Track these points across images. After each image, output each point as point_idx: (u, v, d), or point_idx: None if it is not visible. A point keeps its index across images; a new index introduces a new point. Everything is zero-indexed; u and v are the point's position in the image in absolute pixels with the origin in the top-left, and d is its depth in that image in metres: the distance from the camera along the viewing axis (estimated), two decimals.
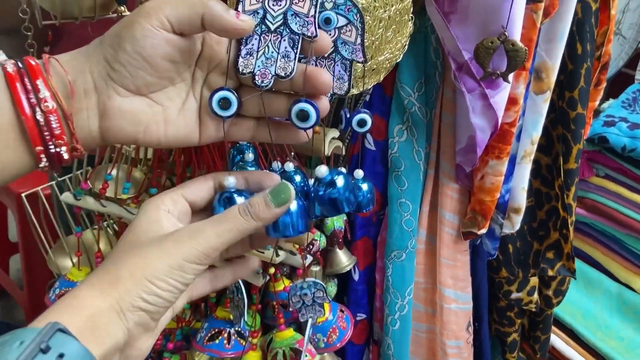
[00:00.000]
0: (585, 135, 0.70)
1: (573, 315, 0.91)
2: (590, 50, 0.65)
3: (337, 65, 0.42)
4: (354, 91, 0.56)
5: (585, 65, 0.65)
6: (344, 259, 0.73)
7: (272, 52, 0.37)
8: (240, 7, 0.37)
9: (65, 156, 0.35)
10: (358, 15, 0.40)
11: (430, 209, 0.71)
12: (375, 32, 0.52)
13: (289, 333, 0.67)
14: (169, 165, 0.66)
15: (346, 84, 0.42)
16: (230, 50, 0.38)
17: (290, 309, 0.58)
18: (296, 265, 0.66)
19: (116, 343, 0.33)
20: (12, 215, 1.23)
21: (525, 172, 0.68)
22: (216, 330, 0.64)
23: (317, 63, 0.42)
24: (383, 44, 0.52)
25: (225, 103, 0.38)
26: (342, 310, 0.71)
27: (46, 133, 0.34)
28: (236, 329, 0.64)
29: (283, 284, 0.67)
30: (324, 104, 0.38)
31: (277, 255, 0.61)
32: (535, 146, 0.66)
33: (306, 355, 0.66)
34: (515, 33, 0.54)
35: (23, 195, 0.74)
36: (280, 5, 0.37)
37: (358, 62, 0.42)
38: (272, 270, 0.64)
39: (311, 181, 0.49)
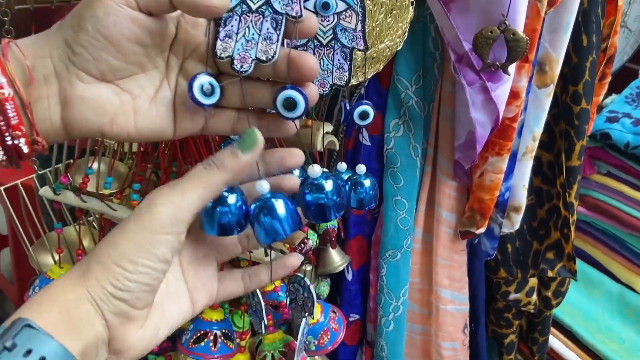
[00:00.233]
0: (588, 132, 0.67)
1: (572, 316, 0.89)
2: (596, 42, 0.62)
3: (337, 53, 0.39)
4: (354, 81, 0.53)
5: (591, 57, 0.62)
6: (337, 258, 0.70)
7: (253, 34, 0.34)
8: None
9: (25, 149, 0.32)
10: (358, 0, 0.37)
11: (426, 207, 0.69)
12: (376, 18, 0.49)
13: (279, 335, 0.64)
14: (154, 159, 0.63)
15: (346, 73, 0.40)
16: (209, 33, 0.34)
17: (286, 294, 0.56)
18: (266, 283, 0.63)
19: (95, 336, 0.31)
20: (2, 208, 1.20)
21: (526, 169, 0.65)
22: (202, 332, 0.61)
23: (315, 52, 0.39)
24: (384, 30, 0.50)
25: (206, 90, 0.34)
26: (334, 312, 0.68)
27: (2, 123, 0.31)
28: (222, 331, 0.62)
29: (273, 285, 0.64)
30: (312, 91, 0.35)
31: (267, 255, 0.58)
32: (537, 142, 0.64)
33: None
34: (518, 23, 0.51)
35: (1, 188, 0.71)
36: None
37: (359, 50, 0.39)
38: None
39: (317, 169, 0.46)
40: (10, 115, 0.31)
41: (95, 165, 0.61)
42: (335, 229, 0.68)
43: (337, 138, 0.66)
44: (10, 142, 0.31)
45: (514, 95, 0.57)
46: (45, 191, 0.61)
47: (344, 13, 0.38)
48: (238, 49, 0.33)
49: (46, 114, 0.33)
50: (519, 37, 0.50)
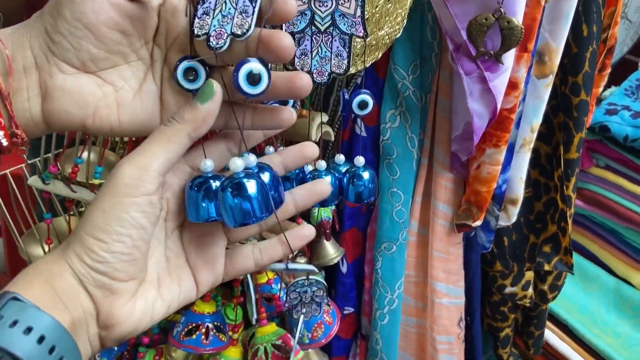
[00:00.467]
0: (587, 124, 0.66)
1: (568, 310, 0.88)
2: (597, 33, 0.61)
3: (335, 40, 0.38)
4: (352, 70, 0.52)
5: (591, 48, 0.61)
6: (331, 251, 0.69)
7: (230, 9, 0.32)
8: None
9: (4, 142, 0.31)
10: None
11: (422, 200, 0.68)
12: (376, 3, 0.48)
13: (271, 328, 0.63)
14: None
15: (345, 61, 0.38)
16: (189, 14, 0.33)
17: (286, 305, 0.54)
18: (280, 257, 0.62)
19: (82, 309, 0.31)
20: None
21: (524, 161, 0.64)
22: (193, 325, 0.60)
23: (313, 38, 0.38)
24: (383, 16, 0.48)
25: (190, 74, 0.33)
26: (328, 305, 0.67)
27: None
28: (215, 323, 0.61)
29: (266, 277, 0.63)
30: (305, 80, 0.34)
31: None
32: (535, 134, 0.63)
33: (288, 352, 0.63)
34: (518, 11, 0.50)
35: None
36: None
37: (358, 37, 0.38)
38: None
39: (309, 167, 0.45)
40: None
41: (85, 155, 0.60)
42: (330, 220, 0.67)
43: (332, 128, 0.65)
44: None
45: (512, 85, 0.55)
46: (34, 181, 0.60)
47: None
48: (214, 25, 0.32)
49: (26, 105, 0.32)
50: (513, 25, 0.49)
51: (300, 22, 0.37)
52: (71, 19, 0.31)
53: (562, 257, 0.71)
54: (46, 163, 0.64)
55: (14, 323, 0.27)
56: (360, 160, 0.46)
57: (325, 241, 0.69)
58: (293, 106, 0.59)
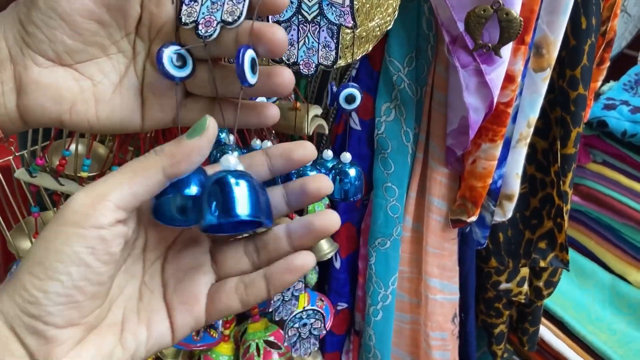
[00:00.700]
0: (585, 118, 0.65)
1: (564, 306, 0.88)
2: (596, 25, 0.60)
3: (323, 30, 0.36)
4: (341, 62, 0.50)
5: (589, 41, 0.60)
6: (325, 246, 0.68)
7: None
8: None
9: None
10: None
11: (417, 195, 0.67)
12: None
13: (263, 324, 0.63)
14: (135, 141, 0.61)
15: (333, 52, 0.37)
16: (177, 1, 0.31)
17: (285, 344, 0.52)
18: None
19: None
20: None
21: (520, 156, 0.63)
22: None
23: (300, 28, 0.36)
24: (374, 7, 0.47)
25: (178, 60, 0.31)
26: (321, 300, 0.67)
27: None
28: None
29: None
30: (286, 75, 0.31)
31: None
32: (532, 129, 0.62)
33: (281, 349, 0.62)
34: (516, 2, 0.49)
35: None
36: None
37: (347, 27, 0.36)
38: None
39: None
40: None
41: (73, 147, 0.58)
42: None
43: (326, 122, 0.64)
44: None
45: (509, 79, 0.54)
46: (21, 173, 0.59)
47: None
48: (203, 13, 0.30)
49: (0, 100, 0.30)
50: (512, 17, 0.48)
51: (286, 11, 0.36)
52: (45, 8, 0.29)
53: (558, 253, 0.70)
54: (34, 155, 0.63)
55: None
56: (346, 156, 0.45)
57: None
58: (286, 98, 0.59)
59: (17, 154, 0.66)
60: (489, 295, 0.78)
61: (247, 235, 0.34)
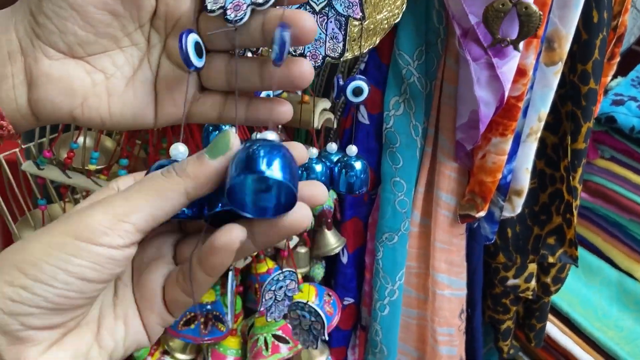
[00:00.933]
0: (595, 113, 0.65)
1: (570, 303, 0.87)
2: (607, 19, 0.59)
3: (331, 22, 0.36)
4: (348, 55, 0.50)
5: (601, 35, 0.59)
6: (332, 241, 0.68)
7: None
8: None
9: None
10: None
11: (425, 189, 0.67)
12: None
13: None
14: (143, 135, 0.60)
15: (340, 44, 0.36)
16: None
17: (261, 308, 0.52)
18: (281, 247, 0.61)
19: None
20: None
21: (530, 151, 0.63)
22: (192, 314, 0.59)
23: None
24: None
25: (198, 49, 0.29)
26: (329, 295, 0.67)
27: None
28: (214, 313, 0.60)
29: (266, 266, 0.62)
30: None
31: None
32: (543, 123, 0.61)
33: (289, 342, 0.62)
34: None
35: None
36: None
37: (355, 19, 0.36)
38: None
39: (314, 151, 0.42)
40: None
41: (80, 140, 0.58)
42: (331, 210, 0.65)
43: (334, 115, 0.63)
44: None
45: (520, 72, 0.54)
46: (28, 166, 0.59)
47: None
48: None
49: (11, 94, 0.29)
50: (531, 11, 0.47)
51: None
52: None
53: (567, 249, 0.70)
54: (41, 148, 0.62)
55: None
56: (352, 149, 0.45)
57: (326, 230, 0.67)
58: (294, 92, 0.58)
59: (23, 147, 0.65)
60: (496, 291, 0.78)
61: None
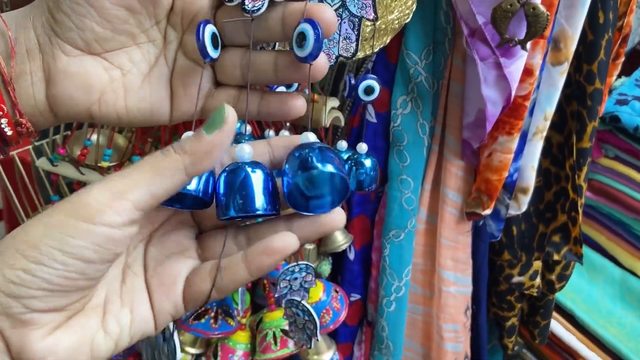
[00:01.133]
0: (600, 113, 0.66)
1: (574, 300, 0.88)
2: (613, 20, 0.60)
3: (345, 22, 0.37)
4: (360, 55, 0.51)
5: (607, 35, 0.60)
6: (339, 238, 0.69)
7: None
8: None
9: (8, 131, 0.29)
10: None
11: (432, 187, 0.67)
12: None
13: (280, 313, 0.63)
14: (155, 132, 0.61)
15: (353, 44, 0.37)
16: None
17: (276, 295, 0.53)
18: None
19: None
20: None
21: (536, 150, 0.64)
22: (202, 309, 0.60)
23: None
24: (393, 0, 0.47)
25: (214, 40, 0.30)
26: (336, 291, 0.67)
27: None
28: (223, 308, 0.61)
29: None
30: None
31: None
32: (549, 122, 0.62)
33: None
34: None
35: None
36: None
37: (368, 19, 0.37)
38: None
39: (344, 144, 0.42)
40: None
41: (94, 137, 0.59)
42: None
43: (342, 114, 0.64)
44: None
45: (527, 72, 0.55)
46: (43, 163, 0.60)
47: None
48: None
49: (30, 91, 0.30)
50: (539, 11, 0.48)
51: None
52: None
53: (572, 247, 0.70)
54: (53, 145, 0.64)
55: None
56: (362, 147, 0.45)
57: None
58: (302, 90, 0.59)
59: (36, 144, 0.67)
60: (501, 288, 0.78)
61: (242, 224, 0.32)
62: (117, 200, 0.25)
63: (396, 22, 0.51)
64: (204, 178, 0.29)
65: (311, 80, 0.30)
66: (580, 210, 0.68)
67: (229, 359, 0.64)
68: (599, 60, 0.61)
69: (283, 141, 0.31)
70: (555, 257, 0.71)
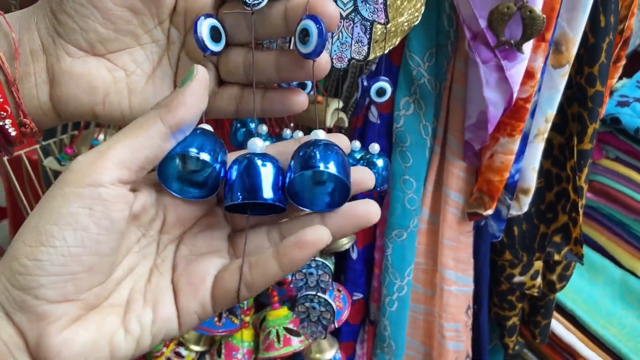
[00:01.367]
0: (601, 115, 0.66)
1: (575, 300, 0.89)
2: (614, 23, 0.61)
3: (357, 26, 0.37)
4: (371, 57, 0.51)
5: (608, 39, 0.61)
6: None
7: None
8: None
9: (12, 132, 0.29)
10: None
11: (434, 188, 0.68)
12: None
13: (283, 312, 0.64)
14: None
15: (365, 47, 0.38)
16: None
17: (291, 285, 0.53)
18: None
19: (3, 341, 0.24)
20: (1, 180, 1.19)
21: (537, 151, 0.64)
22: None
23: None
24: (403, 3, 0.48)
25: (214, 34, 0.30)
26: (339, 290, 0.68)
27: None
28: None
29: None
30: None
31: None
32: (550, 124, 0.63)
33: (300, 335, 0.64)
34: (538, 0, 0.50)
35: (5, 158, 0.70)
36: None
37: (380, 23, 0.37)
38: None
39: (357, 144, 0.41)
40: None
41: (101, 137, 0.60)
42: None
43: (346, 115, 0.65)
44: None
45: (528, 75, 0.55)
46: (50, 162, 0.61)
47: None
48: None
49: (34, 92, 0.30)
50: (535, 15, 0.49)
51: None
52: None
53: (573, 247, 0.71)
54: (61, 145, 0.64)
55: None
56: (375, 147, 0.46)
57: None
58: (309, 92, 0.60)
59: (43, 143, 0.67)
60: (503, 288, 0.79)
61: (274, 219, 0.32)
62: (99, 159, 0.25)
63: (406, 24, 0.51)
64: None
65: (314, 79, 0.31)
66: (580, 211, 0.69)
67: (233, 357, 0.64)
68: (600, 63, 0.61)
69: (289, 146, 0.31)
70: (556, 257, 0.72)
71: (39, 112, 0.31)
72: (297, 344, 0.63)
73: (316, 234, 0.27)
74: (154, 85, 0.32)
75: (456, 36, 0.60)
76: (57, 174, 0.63)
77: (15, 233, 0.25)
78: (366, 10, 0.37)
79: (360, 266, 0.74)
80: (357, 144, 0.46)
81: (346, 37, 0.38)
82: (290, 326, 0.64)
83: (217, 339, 0.66)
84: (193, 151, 0.28)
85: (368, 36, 0.37)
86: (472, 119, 0.61)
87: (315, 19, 0.28)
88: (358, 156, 0.45)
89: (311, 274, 0.52)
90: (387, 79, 0.40)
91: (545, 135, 0.63)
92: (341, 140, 0.32)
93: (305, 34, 0.28)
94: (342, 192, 0.30)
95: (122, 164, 0.25)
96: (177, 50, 0.33)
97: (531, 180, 0.66)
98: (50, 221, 0.24)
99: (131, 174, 0.26)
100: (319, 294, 0.53)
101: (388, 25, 0.49)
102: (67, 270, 0.25)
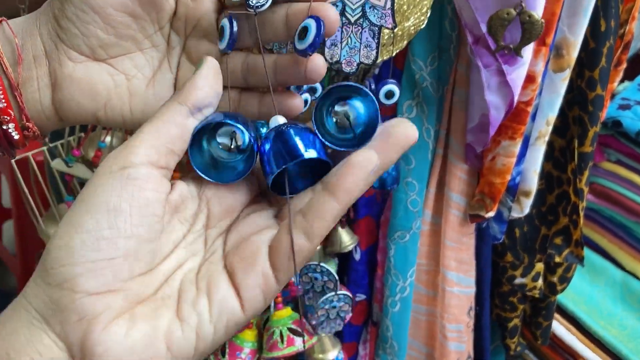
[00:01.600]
0: (602, 118, 0.67)
1: (576, 302, 0.89)
2: (614, 28, 0.61)
3: (365, 31, 0.38)
4: (378, 60, 0.52)
5: (608, 43, 0.61)
6: (346, 238, 0.70)
7: None
8: None
9: (15, 135, 0.30)
10: None
11: (437, 190, 0.69)
12: None
13: (287, 312, 0.65)
14: None
15: (374, 52, 0.39)
16: None
17: (312, 322, 0.54)
18: None
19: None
20: (6, 181, 1.20)
21: (539, 154, 0.65)
22: None
23: (343, 30, 0.38)
24: (410, 7, 0.49)
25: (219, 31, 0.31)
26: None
27: None
28: None
29: None
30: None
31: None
32: (551, 127, 0.63)
33: (303, 336, 0.64)
34: (538, 5, 0.51)
35: (12, 160, 0.71)
36: None
37: (387, 28, 0.38)
38: None
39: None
40: None
41: (108, 139, 0.61)
42: None
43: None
44: None
45: (529, 79, 0.56)
46: (58, 164, 0.62)
47: None
48: None
49: (36, 96, 0.31)
50: (534, 19, 0.50)
51: None
52: (78, 1, 0.29)
53: (573, 249, 0.72)
54: (68, 147, 0.65)
55: None
56: None
57: (340, 228, 0.70)
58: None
59: (50, 145, 0.68)
60: (504, 289, 0.80)
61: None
62: (126, 146, 0.26)
63: (412, 28, 0.52)
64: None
65: (309, 82, 0.31)
66: (581, 214, 0.69)
67: (237, 356, 0.65)
68: (600, 67, 0.62)
69: None
70: (557, 259, 0.72)
71: (42, 116, 0.31)
72: (300, 344, 0.64)
73: (363, 156, 0.26)
74: (155, 90, 0.33)
75: (458, 40, 0.61)
76: (63, 175, 0.64)
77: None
78: (374, 15, 0.38)
79: (363, 267, 0.75)
80: None
81: (355, 42, 0.38)
82: (294, 327, 0.64)
83: None
84: (219, 117, 0.28)
85: (376, 41, 0.38)
86: (474, 121, 0.61)
87: (316, 17, 0.28)
88: None
89: (316, 278, 0.53)
90: (395, 81, 0.41)
91: (547, 138, 0.64)
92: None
93: (304, 31, 0.29)
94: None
95: (149, 145, 0.26)
96: (177, 54, 0.34)
97: (532, 182, 0.66)
98: (82, 211, 0.24)
99: (160, 156, 0.27)
100: (320, 263, 0.53)
101: (395, 30, 0.49)
102: (102, 255, 0.24)
